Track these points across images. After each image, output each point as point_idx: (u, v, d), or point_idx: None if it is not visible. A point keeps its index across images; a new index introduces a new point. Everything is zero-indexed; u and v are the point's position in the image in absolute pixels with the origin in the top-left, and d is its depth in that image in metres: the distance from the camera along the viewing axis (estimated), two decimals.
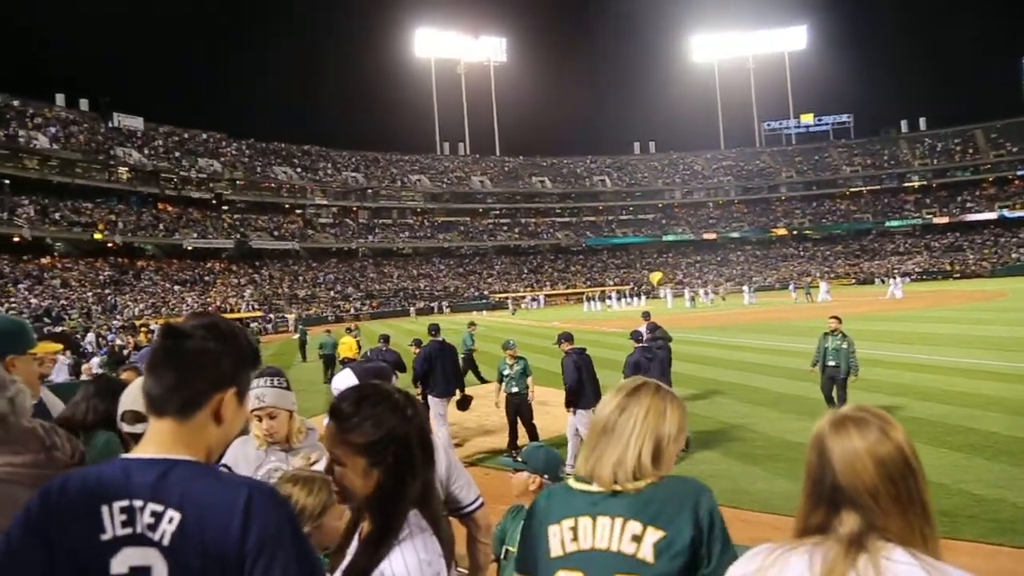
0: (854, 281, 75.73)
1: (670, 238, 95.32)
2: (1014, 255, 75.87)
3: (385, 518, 1.69)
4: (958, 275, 72.84)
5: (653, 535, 1.68)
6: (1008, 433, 9.66)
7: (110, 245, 60.80)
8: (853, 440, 1.44)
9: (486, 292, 77.51)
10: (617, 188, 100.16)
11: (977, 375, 14.35)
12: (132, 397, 2.59)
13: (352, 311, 63.72)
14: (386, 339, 13.58)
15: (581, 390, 9.56)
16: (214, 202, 73.23)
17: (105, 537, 1.38)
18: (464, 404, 11.30)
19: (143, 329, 32.72)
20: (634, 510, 1.72)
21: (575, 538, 1.75)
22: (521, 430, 10.66)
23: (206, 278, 65.02)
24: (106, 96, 73.06)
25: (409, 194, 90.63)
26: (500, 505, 3.73)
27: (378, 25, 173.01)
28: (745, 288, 55.62)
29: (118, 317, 45.81)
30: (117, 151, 67.08)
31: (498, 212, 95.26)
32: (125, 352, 21.57)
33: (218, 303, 57.26)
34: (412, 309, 60.49)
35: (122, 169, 66.40)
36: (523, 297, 72.99)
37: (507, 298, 71.20)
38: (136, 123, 73.37)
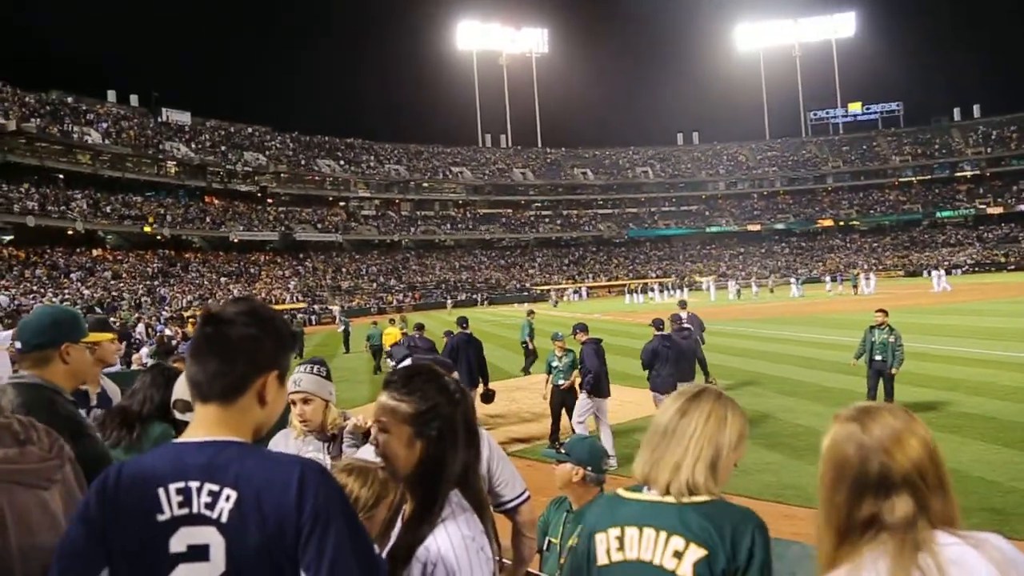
0: (902, 273, 73.96)
1: (713, 229, 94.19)
2: None
3: (426, 494, 1.73)
4: (1012, 267, 70.69)
5: (695, 553, 1.67)
6: None
7: (159, 238, 62.24)
8: (890, 421, 1.44)
9: (528, 284, 77.53)
10: (660, 179, 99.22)
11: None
12: (183, 387, 2.66)
13: (394, 303, 64.27)
14: (420, 328, 13.89)
15: (600, 377, 9.76)
16: (259, 195, 74.42)
17: (163, 518, 1.42)
18: (488, 398, 11.37)
19: (191, 320, 33.40)
20: (681, 525, 1.70)
21: (620, 547, 1.77)
22: (565, 422, 10.65)
23: (251, 270, 66.15)
24: (155, 92, 74.76)
25: (451, 186, 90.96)
26: (542, 497, 3.73)
27: (420, 18, 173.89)
28: (792, 280, 54.71)
29: (167, 308, 46.84)
30: (166, 145, 68.54)
31: (540, 204, 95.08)
32: (174, 342, 22.06)
33: (263, 295, 58.19)
34: (449, 301, 60.85)
35: (170, 163, 67.83)
36: (565, 289, 72.84)
37: (549, 290, 71.13)
38: (184, 118, 74.86)
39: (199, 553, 1.41)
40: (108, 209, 59.56)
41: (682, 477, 1.72)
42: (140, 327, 33.03)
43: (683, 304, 15.27)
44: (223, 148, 74.18)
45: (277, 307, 51.67)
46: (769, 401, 12.69)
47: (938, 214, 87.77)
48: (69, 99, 65.15)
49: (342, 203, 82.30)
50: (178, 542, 1.42)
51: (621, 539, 1.77)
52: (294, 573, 1.41)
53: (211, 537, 1.41)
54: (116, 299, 46.91)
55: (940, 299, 36.17)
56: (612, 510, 1.83)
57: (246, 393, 1.53)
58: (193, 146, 71.28)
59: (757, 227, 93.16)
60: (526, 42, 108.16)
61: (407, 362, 2.82)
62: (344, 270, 73.48)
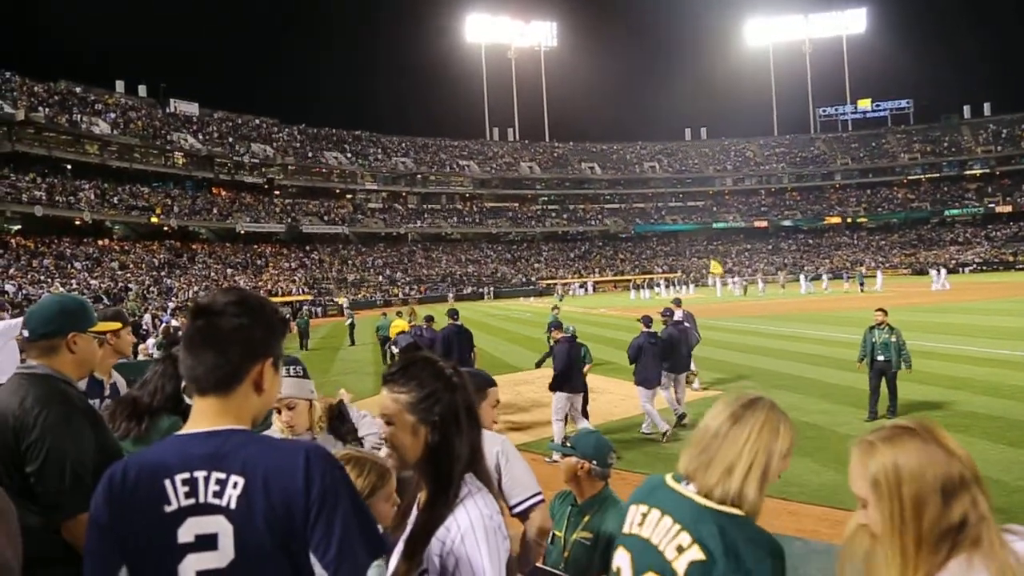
0: (908, 271, 73.66)
1: (720, 225, 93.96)
2: None
3: (438, 477, 1.75)
4: (1021, 266, 70.35)
5: (695, 554, 1.67)
6: None
7: (166, 229, 62.47)
8: (944, 433, 1.50)
9: (533, 278, 77.54)
10: (667, 174, 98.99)
11: None
12: None
13: (400, 295, 64.37)
14: (429, 320, 13.99)
15: (569, 375, 10.06)
16: (266, 187, 74.55)
17: (170, 509, 1.44)
18: None
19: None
20: (696, 524, 1.70)
21: (641, 523, 1.81)
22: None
23: (258, 261, 66.32)
24: (163, 82, 74.86)
25: (458, 179, 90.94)
26: (547, 492, 3.74)
27: (429, 11, 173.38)
28: (801, 277, 54.61)
29: (173, 299, 47.01)
30: (173, 136, 68.68)
31: (547, 198, 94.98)
32: (180, 333, 22.17)
33: (269, 287, 58.35)
34: (450, 295, 60.97)
35: (178, 154, 67.98)
36: (570, 284, 72.81)
37: (554, 284, 71.09)
38: (192, 109, 75.01)
39: (207, 542, 1.44)
40: (115, 200, 59.74)
41: (733, 485, 1.72)
42: (147, 317, 33.17)
43: (677, 302, 15.55)
44: (230, 139, 74.31)
45: (282, 298, 51.89)
46: (775, 398, 12.63)
47: (947, 212, 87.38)
48: (77, 89, 65.35)
49: (349, 195, 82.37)
50: (186, 532, 1.44)
51: (645, 516, 1.81)
52: (303, 555, 1.44)
53: (219, 525, 1.44)
54: (123, 290, 47.09)
55: (945, 297, 36.03)
56: (652, 490, 1.87)
57: (243, 382, 1.55)
58: (200, 137, 71.41)
59: (764, 223, 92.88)
60: (535, 36, 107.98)
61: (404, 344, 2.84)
62: (350, 262, 73.61)
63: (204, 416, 1.55)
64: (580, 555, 3.23)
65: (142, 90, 73.16)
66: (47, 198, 53.12)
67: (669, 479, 1.85)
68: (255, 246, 68.81)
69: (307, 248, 72.75)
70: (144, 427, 3.06)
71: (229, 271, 60.92)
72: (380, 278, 71.30)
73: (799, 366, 16.16)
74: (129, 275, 52.11)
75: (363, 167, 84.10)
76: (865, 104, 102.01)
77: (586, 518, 3.32)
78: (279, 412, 3.06)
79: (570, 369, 10.11)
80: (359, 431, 3.34)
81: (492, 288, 71.58)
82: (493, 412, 3.19)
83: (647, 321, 11.24)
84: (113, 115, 64.49)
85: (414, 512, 1.84)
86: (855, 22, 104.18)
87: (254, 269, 64.07)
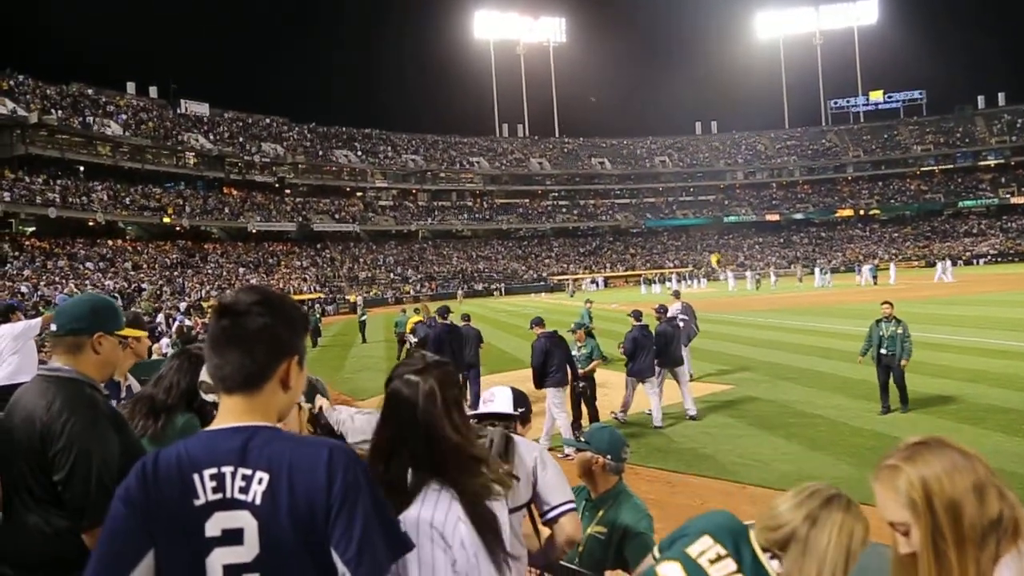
0: (921, 264, 73.01)
1: (732, 219, 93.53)
2: None
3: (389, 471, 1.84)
4: None
5: None
6: None
7: (178, 228, 62.78)
8: (954, 440, 1.56)
9: (544, 274, 77.50)
10: (678, 169, 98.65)
11: None
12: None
13: (411, 292, 64.49)
14: (443, 312, 14.13)
15: (546, 371, 10.30)
16: (277, 186, 74.79)
17: (198, 503, 1.47)
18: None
19: (210, 310, 33.64)
20: None
21: (714, 562, 1.73)
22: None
23: (270, 260, 66.58)
24: (174, 83, 75.18)
25: (468, 176, 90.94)
26: None
27: (438, 8, 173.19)
28: (816, 270, 54.37)
29: (186, 299, 47.27)
30: (184, 137, 69.00)
31: (557, 194, 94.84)
32: (194, 332, 22.26)
33: (281, 285, 58.58)
34: (460, 292, 61.04)
35: (189, 154, 68.27)
36: (582, 279, 72.74)
37: (565, 280, 71.04)
38: (202, 109, 75.33)
39: (234, 537, 1.46)
40: (128, 200, 60.07)
41: None
42: (160, 317, 33.39)
43: (676, 294, 16.47)
44: (241, 139, 74.58)
45: (294, 297, 52.07)
46: (788, 392, 12.65)
47: (960, 204, 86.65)
48: (89, 91, 65.71)
49: (359, 193, 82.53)
50: (213, 526, 1.46)
51: (720, 559, 1.74)
52: (324, 551, 1.46)
53: (245, 521, 1.46)
54: (136, 290, 47.40)
55: (957, 290, 35.76)
56: (734, 537, 1.79)
57: (271, 380, 1.57)
58: (211, 137, 71.71)
59: (776, 217, 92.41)
60: (543, 31, 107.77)
61: (505, 394, 3.11)
62: (361, 260, 73.78)
63: (231, 413, 1.56)
64: (594, 549, 3.24)
65: (153, 91, 73.52)
66: (60, 200, 53.47)
67: (755, 540, 1.77)
68: (267, 245, 69.06)
69: (318, 246, 72.97)
70: (161, 424, 3.08)
71: (241, 270, 61.18)
72: (391, 275, 71.44)
73: (810, 359, 16.12)
74: (142, 275, 52.42)
75: (373, 165, 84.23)
76: (877, 96, 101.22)
77: (600, 512, 3.33)
78: None
79: (545, 364, 10.33)
80: (348, 438, 3.32)
81: (503, 284, 71.63)
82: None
83: (637, 315, 11.77)
84: (125, 116, 64.85)
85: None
86: (867, 13, 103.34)
87: (266, 268, 64.33)
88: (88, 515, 2.27)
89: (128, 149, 62.61)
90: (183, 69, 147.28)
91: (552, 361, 10.30)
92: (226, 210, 68.16)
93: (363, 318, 30.34)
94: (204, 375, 2.75)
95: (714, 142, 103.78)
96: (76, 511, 2.31)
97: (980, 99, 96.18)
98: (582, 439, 3.44)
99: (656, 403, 11.02)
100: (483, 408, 3.12)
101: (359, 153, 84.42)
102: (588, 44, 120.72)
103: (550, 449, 9.51)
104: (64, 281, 44.28)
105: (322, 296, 58.20)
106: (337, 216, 76.71)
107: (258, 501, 1.46)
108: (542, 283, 73.28)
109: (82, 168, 59.22)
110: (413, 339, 17.33)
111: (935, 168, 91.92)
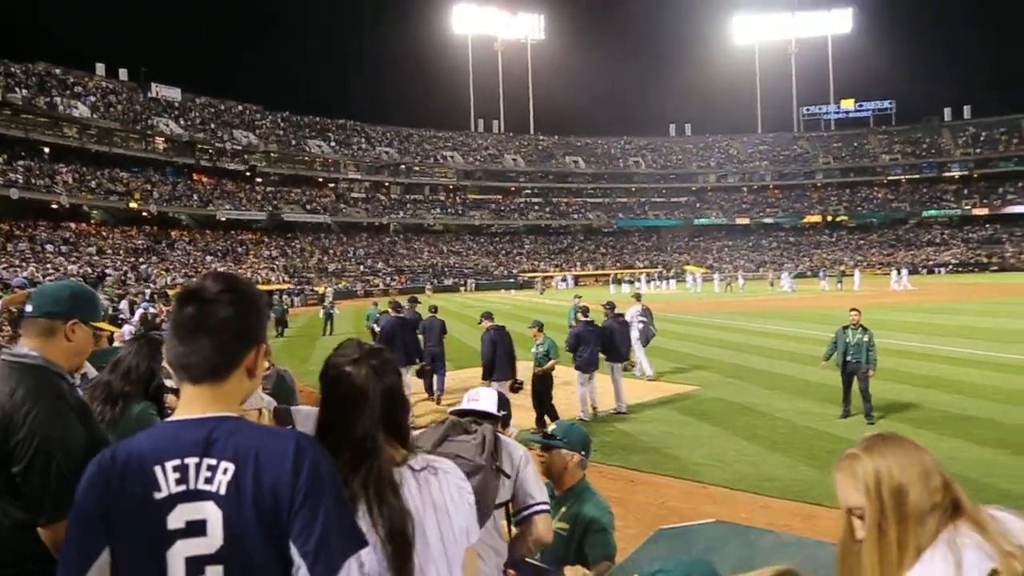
0: (884, 271, 74.22)
1: (702, 221, 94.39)
2: None
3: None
4: (995, 268, 71.38)
5: None
6: None
7: (145, 214, 61.76)
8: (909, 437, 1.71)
9: (515, 271, 77.54)
10: (651, 170, 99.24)
11: (1009, 369, 14.15)
12: None
13: (381, 286, 64.20)
14: (395, 306, 14.34)
15: (494, 364, 10.70)
16: (248, 174, 73.92)
17: (160, 495, 1.44)
18: (423, 374, 13.10)
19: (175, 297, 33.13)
20: None
21: None
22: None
23: (238, 249, 65.82)
24: (145, 66, 73.91)
25: (441, 171, 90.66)
26: None
27: (416, 1, 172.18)
28: (784, 274, 55.08)
29: (151, 285, 46.56)
30: (154, 121, 67.91)
31: (530, 191, 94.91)
32: (158, 319, 21.95)
33: (249, 275, 57.95)
34: (428, 287, 60.91)
35: (159, 139, 67.23)
36: (552, 277, 72.88)
37: (535, 277, 71.22)
38: (173, 94, 74.14)
39: (197, 528, 1.44)
40: (94, 184, 58.98)
41: None
42: (123, 304, 32.84)
43: (638, 297, 17.10)
44: (212, 126, 73.60)
45: (262, 287, 51.49)
46: (751, 394, 12.81)
47: (925, 213, 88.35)
48: (56, 71, 64.37)
49: (332, 184, 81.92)
50: (176, 519, 1.44)
51: None
52: (286, 543, 1.44)
53: (209, 512, 1.44)
54: (100, 276, 46.56)
55: (917, 297, 36.46)
56: None
57: (237, 369, 1.56)
58: (182, 123, 70.66)
59: (746, 220, 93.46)
60: (522, 28, 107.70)
61: (490, 395, 3.23)
62: (331, 252, 73.23)
63: (196, 403, 1.54)
64: (557, 546, 3.24)
65: (123, 74, 72.15)
66: (23, 181, 52.35)
67: None
68: (236, 233, 68.21)
69: (288, 236, 72.28)
70: (119, 410, 3.03)
71: (209, 258, 60.38)
72: (361, 268, 71.00)
73: (774, 362, 16.34)
74: (107, 260, 51.46)
75: (347, 156, 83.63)
76: (848, 104, 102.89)
77: (563, 509, 3.35)
78: None
79: (494, 357, 10.77)
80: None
81: (474, 280, 71.54)
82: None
83: (584, 311, 12.28)
84: (93, 98, 63.63)
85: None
86: (841, 22, 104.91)
87: (234, 257, 63.57)
88: (46, 511, 2.18)
89: (95, 131, 61.39)
90: (155, 53, 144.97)
91: (498, 353, 10.77)
92: (195, 197, 67.22)
93: (331, 311, 29.88)
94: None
95: (687, 144, 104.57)
96: (34, 505, 2.21)
97: (947, 111, 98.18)
98: (560, 438, 3.44)
99: (587, 396, 11.39)
100: (468, 405, 3.15)
101: (332, 144, 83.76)
102: (566, 42, 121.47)
103: None
104: (24, 264, 43.33)
105: (290, 287, 57.63)
106: (308, 206, 76.05)
107: (223, 491, 1.44)
108: (512, 280, 73.33)
109: (47, 149, 57.97)
110: (376, 328, 17.44)
111: (902, 177, 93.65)
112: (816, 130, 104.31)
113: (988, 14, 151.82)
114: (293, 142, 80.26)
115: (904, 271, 50.55)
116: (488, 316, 11.84)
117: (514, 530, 2.95)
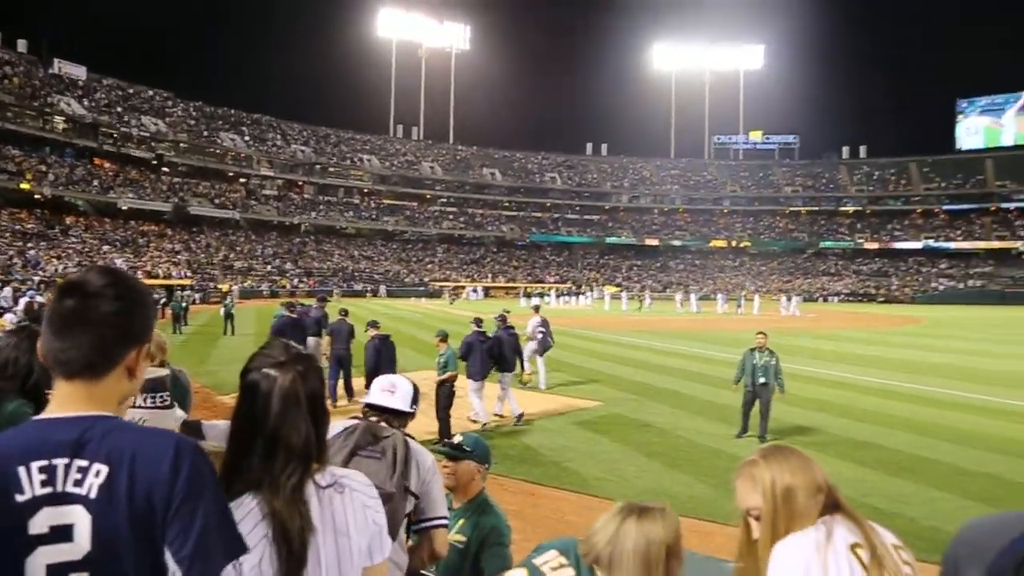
0: (781, 298, 77.37)
1: (613, 240, 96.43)
2: (933, 284, 79.59)
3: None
4: (882, 299, 75.64)
5: None
6: (911, 452, 10.18)
7: (37, 197, 58.39)
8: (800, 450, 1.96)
9: (426, 279, 77.13)
10: (566, 186, 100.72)
11: (890, 395, 14.99)
12: None
13: (288, 287, 62.72)
14: (322, 300, 14.55)
15: (378, 372, 10.35)
16: (155, 163, 71.12)
17: (22, 499, 1.34)
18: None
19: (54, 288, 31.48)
20: None
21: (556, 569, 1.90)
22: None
23: (139, 240, 63.11)
24: (47, 39, 70.21)
25: (357, 173, 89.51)
26: None
27: (342, 1, 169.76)
28: (692, 296, 56.70)
29: (40, 272, 44.12)
30: (55, 99, 64.51)
31: (445, 200, 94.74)
32: (45, 310, 20.83)
33: (149, 267, 55.65)
34: (335, 290, 59.98)
35: (58, 118, 63.89)
36: (463, 287, 72.85)
37: (445, 287, 71.01)
38: (78, 72, 70.62)
39: (62, 534, 1.35)
40: None
41: None
42: (7, 291, 30.99)
43: (536, 308, 17.76)
44: (119, 109, 70.50)
45: (161, 281, 49.55)
46: (653, 412, 13.08)
47: (822, 244, 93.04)
48: None
49: (243, 180, 79.69)
50: (39, 523, 1.35)
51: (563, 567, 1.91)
52: (161, 549, 1.37)
53: (77, 516, 1.35)
54: None
55: (809, 324, 38.17)
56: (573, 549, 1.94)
57: (117, 367, 1.47)
58: (86, 103, 67.38)
59: (655, 241, 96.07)
60: (447, 37, 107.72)
61: (403, 383, 3.13)
62: (239, 249, 71.09)
63: (70, 400, 1.44)
64: (452, 559, 3.20)
65: (22, 45, 68.26)
66: None
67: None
68: (137, 224, 65.39)
69: (193, 231, 69.77)
70: None
71: (106, 248, 57.65)
72: (269, 268, 69.19)
73: (676, 381, 16.74)
74: None
75: (260, 152, 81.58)
76: (756, 136, 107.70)
77: (462, 521, 3.31)
78: None
79: (378, 366, 10.99)
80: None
81: (384, 286, 70.76)
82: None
83: (478, 321, 12.67)
84: None
85: None
86: (753, 57, 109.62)
87: (134, 248, 60.88)
88: None
89: None
90: (61, 26, 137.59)
91: (381, 362, 11.03)
92: (95, 183, 64.11)
93: (232, 310, 28.74)
94: None
95: (603, 164, 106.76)
96: None
97: (845, 149, 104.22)
98: (466, 448, 3.41)
99: (478, 403, 11.60)
100: (382, 400, 3.01)
101: (246, 138, 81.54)
102: (491, 55, 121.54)
103: None
104: None
105: (192, 283, 55.59)
106: (217, 201, 73.67)
107: (93, 495, 1.35)
108: (423, 287, 72.93)
109: None
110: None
111: (802, 209, 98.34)
112: (726, 158, 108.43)
113: (890, 60, 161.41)
114: (205, 133, 77.74)
115: (794, 298, 53.09)
116: (373, 325, 12.11)
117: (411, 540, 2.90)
